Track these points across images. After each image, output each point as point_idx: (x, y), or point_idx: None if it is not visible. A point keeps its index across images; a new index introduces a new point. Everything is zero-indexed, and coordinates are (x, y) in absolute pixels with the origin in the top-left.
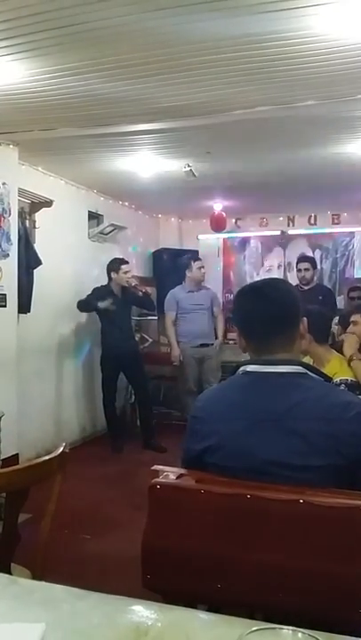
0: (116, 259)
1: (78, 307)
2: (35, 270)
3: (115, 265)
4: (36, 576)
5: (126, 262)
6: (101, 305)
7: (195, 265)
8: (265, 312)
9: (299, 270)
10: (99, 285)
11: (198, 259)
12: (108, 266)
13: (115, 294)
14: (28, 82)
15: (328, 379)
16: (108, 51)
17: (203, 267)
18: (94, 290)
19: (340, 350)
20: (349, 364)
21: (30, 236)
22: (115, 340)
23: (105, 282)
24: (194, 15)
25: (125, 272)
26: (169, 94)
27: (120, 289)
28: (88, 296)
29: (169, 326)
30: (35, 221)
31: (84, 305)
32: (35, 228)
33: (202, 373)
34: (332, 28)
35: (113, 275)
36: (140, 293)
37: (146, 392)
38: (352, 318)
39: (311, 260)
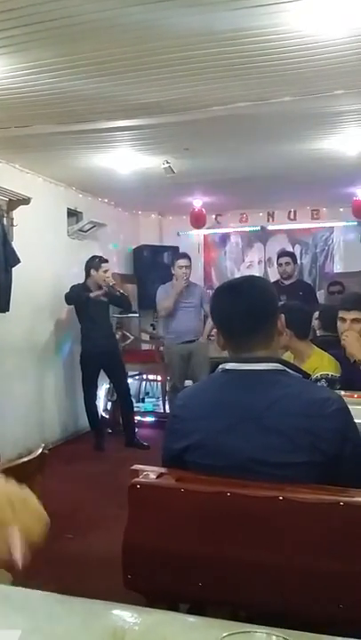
0: (95, 256)
1: (67, 300)
2: (13, 269)
3: (95, 263)
4: (18, 579)
5: (106, 261)
6: (93, 295)
7: (176, 263)
8: (243, 310)
9: (280, 265)
10: (76, 284)
11: (183, 256)
12: (89, 263)
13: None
14: (3, 78)
15: (306, 375)
16: (85, 47)
17: (186, 266)
18: (72, 287)
19: (320, 345)
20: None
21: (8, 234)
22: (95, 339)
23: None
24: (171, 11)
25: (105, 271)
26: (146, 90)
27: (98, 287)
28: (72, 289)
29: (168, 299)
30: (12, 219)
31: (74, 297)
32: (12, 225)
33: (189, 370)
34: (308, 24)
35: (93, 272)
36: (118, 294)
37: (126, 390)
38: (343, 315)
39: (292, 255)
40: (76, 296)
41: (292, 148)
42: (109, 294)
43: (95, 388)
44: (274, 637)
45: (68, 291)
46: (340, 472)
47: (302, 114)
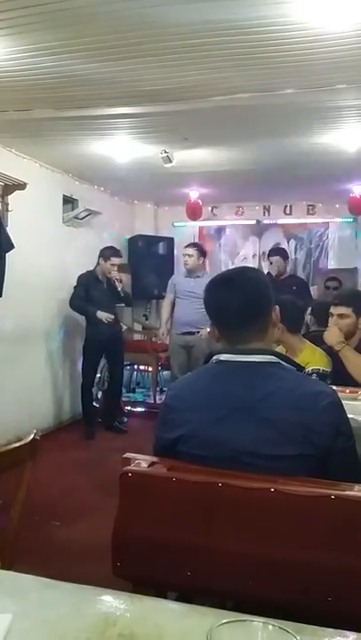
0: (110, 247)
1: (73, 306)
2: (7, 254)
3: (105, 253)
4: (6, 564)
5: (118, 255)
6: (100, 316)
7: (183, 251)
8: (237, 302)
9: (270, 263)
10: (78, 271)
11: (189, 245)
12: (101, 251)
13: (100, 280)
14: (3, 60)
15: (301, 368)
16: (86, 31)
17: (188, 255)
18: (80, 277)
19: (313, 340)
20: (336, 352)
21: (3, 218)
22: (100, 326)
23: (81, 267)
24: None
25: (113, 264)
26: (147, 78)
27: (104, 276)
28: (77, 290)
29: (164, 306)
30: (7, 204)
31: (80, 310)
32: (7, 210)
33: (190, 363)
34: (312, 16)
35: (101, 261)
36: (118, 289)
37: (121, 377)
38: (342, 310)
39: (282, 252)
40: (84, 311)
41: (290, 141)
42: (112, 285)
43: (94, 374)
44: (270, 627)
45: (75, 284)
46: (331, 465)
47: (303, 107)
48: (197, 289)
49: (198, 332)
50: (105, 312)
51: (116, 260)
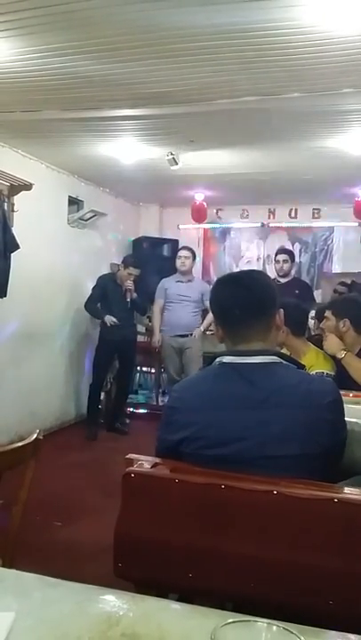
0: (132, 256)
1: (86, 309)
2: (12, 254)
3: (126, 260)
4: (7, 563)
5: (135, 265)
6: (108, 320)
7: (178, 254)
8: (242, 300)
9: (277, 261)
10: (82, 273)
11: (184, 248)
12: (123, 257)
13: (118, 285)
14: (11, 61)
15: (302, 366)
16: (94, 32)
17: (185, 257)
18: (100, 278)
19: (316, 344)
20: (340, 361)
21: (8, 219)
22: (114, 327)
23: (86, 268)
24: (182, 0)
25: (129, 274)
26: (154, 80)
27: (121, 282)
28: (94, 292)
29: (155, 313)
30: (13, 204)
31: (93, 313)
32: (13, 211)
33: (184, 363)
34: (320, 20)
35: (121, 267)
36: (128, 299)
37: (129, 379)
38: (325, 314)
39: (290, 253)
40: (95, 312)
41: (296, 144)
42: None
43: (105, 375)
44: (274, 627)
45: (94, 285)
46: (329, 465)
47: (309, 111)
48: (190, 292)
49: (191, 335)
50: (117, 315)
51: (133, 271)
